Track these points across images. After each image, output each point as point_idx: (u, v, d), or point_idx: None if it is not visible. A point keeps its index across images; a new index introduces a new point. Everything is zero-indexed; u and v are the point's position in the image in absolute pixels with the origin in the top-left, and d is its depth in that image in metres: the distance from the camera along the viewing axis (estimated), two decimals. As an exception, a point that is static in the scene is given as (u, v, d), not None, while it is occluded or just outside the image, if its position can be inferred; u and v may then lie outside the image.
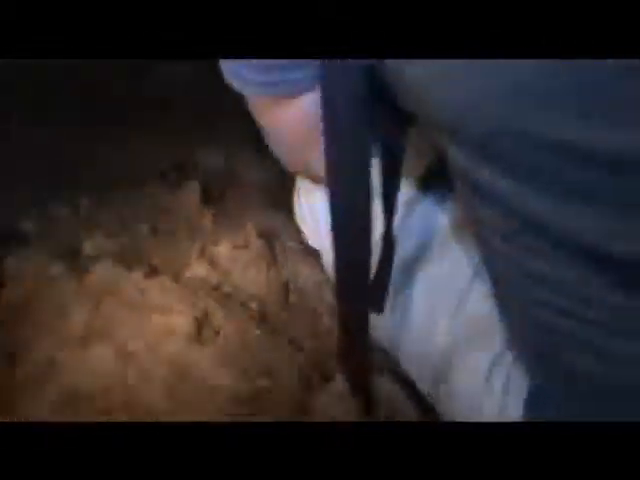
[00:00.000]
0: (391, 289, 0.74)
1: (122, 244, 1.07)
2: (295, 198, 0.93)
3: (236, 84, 0.65)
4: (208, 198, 1.22)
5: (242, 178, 1.29)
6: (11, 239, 1.04)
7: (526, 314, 0.60)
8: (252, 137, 1.23)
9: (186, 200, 1.19)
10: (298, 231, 1.02)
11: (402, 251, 0.76)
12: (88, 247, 1.04)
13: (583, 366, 0.58)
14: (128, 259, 1.04)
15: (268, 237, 1.13)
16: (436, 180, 0.78)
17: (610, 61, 0.45)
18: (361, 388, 0.82)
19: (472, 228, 0.65)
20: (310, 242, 0.93)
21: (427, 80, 0.51)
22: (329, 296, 1.03)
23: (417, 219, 0.79)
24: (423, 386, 0.81)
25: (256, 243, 1.11)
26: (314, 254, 1.10)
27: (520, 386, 0.68)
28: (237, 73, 0.64)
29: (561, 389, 0.62)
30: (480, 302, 0.72)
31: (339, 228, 0.67)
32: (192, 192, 1.20)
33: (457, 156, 0.54)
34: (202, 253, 1.09)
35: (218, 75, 0.65)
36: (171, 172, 1.24)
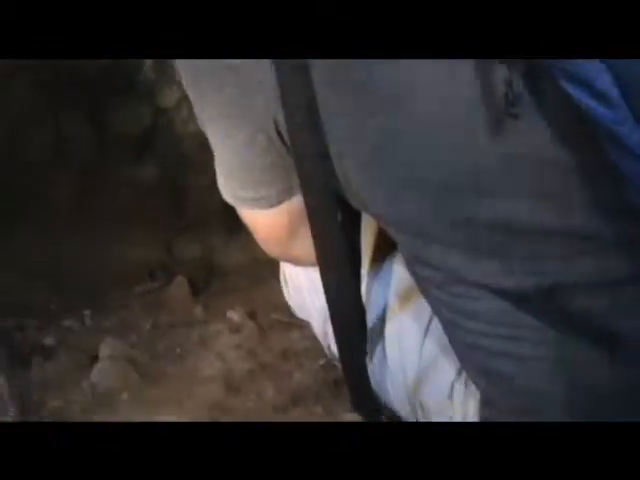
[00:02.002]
0: (368, 340, 0.86)
1: (131, 341, 1.21)
2: (281, 277, 1.07)
3: (226, 198, 0.73)
4: (195, 289, 1.37)
5: (221, 264, 1.44)
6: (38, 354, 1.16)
7: (462, 343, 0.77)
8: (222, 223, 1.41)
9: (177, 294, 1.33)
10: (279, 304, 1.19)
11: (373, 310, 0.91)
12: (104, 350, 1.17)
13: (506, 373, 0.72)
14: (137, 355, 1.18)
15: (256, 316, 1.29)
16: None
17: None
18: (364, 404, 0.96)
19: (417, 283, 0.80)
20: (298, 314, 1.07)
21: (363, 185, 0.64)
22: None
23: (380, 280, 0.94)
24: (403, 412, 0.95)
25: (248, 325, 1.26)
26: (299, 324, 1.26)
27: (475, 396, 0.84)
28: (227, 191, 0.72)
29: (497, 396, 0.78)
30: (436, 340, 0.88)
31: (333, 303, 0.80)
32: (180, 287, 1.34)
33: (395, 236, 0.69)
34: (202, 341, 1.23)
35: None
36: (158, 271, 1.38)
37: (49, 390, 1.10)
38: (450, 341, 0.79)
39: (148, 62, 1.43)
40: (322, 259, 0.75)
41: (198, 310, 1.31)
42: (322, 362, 1.22)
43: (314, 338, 1.26)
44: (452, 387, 0.86)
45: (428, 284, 0.73)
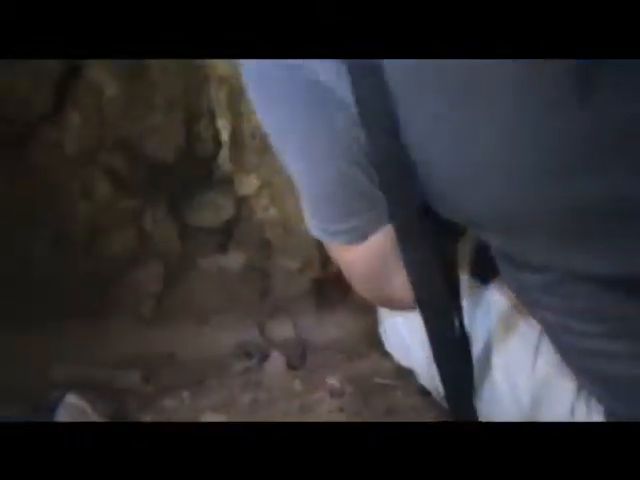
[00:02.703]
0: (475, 375, 0.82)
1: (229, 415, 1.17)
2: (380, 329, 1.04)
3: (317, 235, 0.74)
4: (291, 365, 1.33)
5: (315, 341, 1.41)
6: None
7: (576, 353, 0.71)
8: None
9: (274, 371, 1.30)
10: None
11: (477, 342, 0.85)
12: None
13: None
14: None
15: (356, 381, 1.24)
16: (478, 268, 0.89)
17: None
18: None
19: (521, 298, 0.75)
20: (402, 363, 1.03)
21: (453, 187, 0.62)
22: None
23: (480, 309, 0.88)
24: None
25: (349, 389, 1.21)
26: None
27: (598, 411, 0.76)
28: (317, 227, 0.73)
29: (621, 406, 0.71)
30: (548, 360, 0.81)
31: (436, 339, 0.75)
32: (277, 363, 1.32)
33: (495, 242, 0.67)
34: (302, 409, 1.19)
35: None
36: (254, 350, 1.36)
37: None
38: (563, 355, 0.74)
39: (223, 153, 1.47)
40: (419, 290, 0.72)
41: (296, 383, 1.28)
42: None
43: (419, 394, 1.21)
44: (573, 408, 0.80)
45: (534, 292, 0.70)
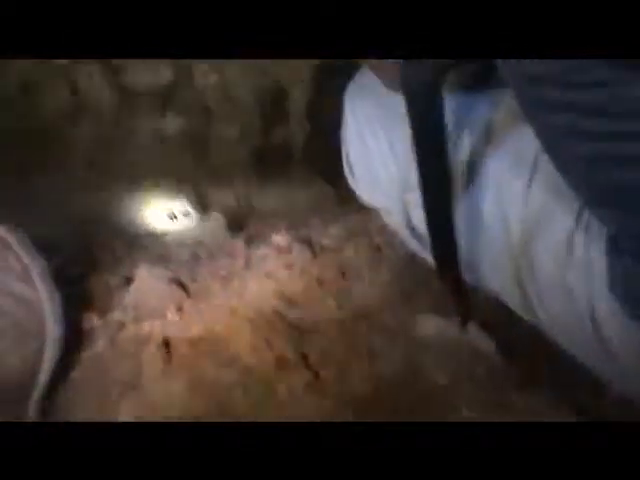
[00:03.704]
0: (458, 194, 0.76)
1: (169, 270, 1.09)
2: (344, 166, 0.96)
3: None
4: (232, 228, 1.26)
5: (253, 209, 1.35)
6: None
7: (582, 159, 0.66)
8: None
9: (214, 230, 1.23)
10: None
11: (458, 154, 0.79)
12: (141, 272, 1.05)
13: None
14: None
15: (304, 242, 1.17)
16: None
17: None
18: (459, 301, 0.84)
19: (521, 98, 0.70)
20: (368, 201, 0.96)
21: None
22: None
23: (465, 117, 0.82)
24: (505, 286, 0.82)
25: (296, 246, 1.15)
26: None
27: (599, 239, 0.72)
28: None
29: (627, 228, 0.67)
30: (545, 183, 0.75)
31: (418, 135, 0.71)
32: (217, 222, 1.24)
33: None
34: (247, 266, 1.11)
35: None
36: (191, 212, 1.27)
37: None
38: (568, 170, 0.67)
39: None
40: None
41: (238, 244, 1.20)
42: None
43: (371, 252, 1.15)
44: (571, 238, 0.73)
45: (545, 87, 0.63)
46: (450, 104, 0.75)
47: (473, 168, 0.79)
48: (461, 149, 0.79)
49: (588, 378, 0.73)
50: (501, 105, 0.79)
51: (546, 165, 0.71)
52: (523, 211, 0.76)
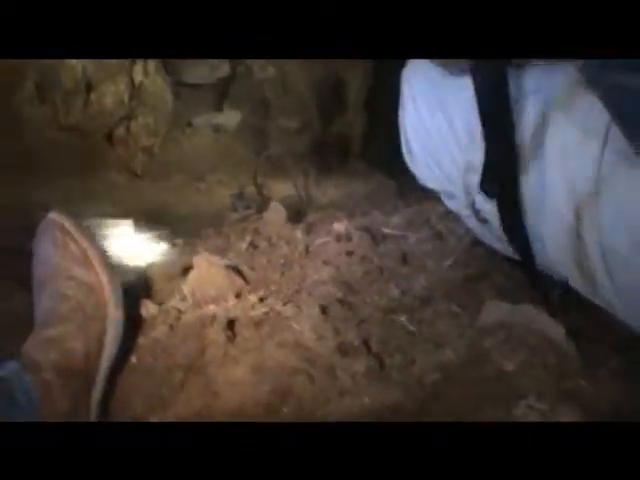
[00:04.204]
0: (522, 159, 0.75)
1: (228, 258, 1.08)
2: (403, 147, 0.94)
3: None
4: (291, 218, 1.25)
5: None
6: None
7: None
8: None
9: (274, 219, 1.22)
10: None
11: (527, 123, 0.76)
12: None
13: None
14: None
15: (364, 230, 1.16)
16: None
17: None
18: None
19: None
20: (427, 183, 0.94)
21: None
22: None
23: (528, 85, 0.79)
24: (570, 266, 0.78)
25: (356, 234, 1.13)
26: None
27: None
28: None
29: None
30: (617, 150, 0.71)
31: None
32: (276, 211, 1.23)
33: None
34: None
35: None
36: (251, 202, 1.27)
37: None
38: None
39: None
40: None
41: (298, 232, 1.19)
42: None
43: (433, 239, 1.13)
44: None
45: None
46: (516, 79, 0.73)
47: (539, 141, 0.76)
48: (526, 123, 0.77)
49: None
50: (566, 77, 0.76)
51: (617, 135, 0.68)
52: (594, 182, 0.73)
